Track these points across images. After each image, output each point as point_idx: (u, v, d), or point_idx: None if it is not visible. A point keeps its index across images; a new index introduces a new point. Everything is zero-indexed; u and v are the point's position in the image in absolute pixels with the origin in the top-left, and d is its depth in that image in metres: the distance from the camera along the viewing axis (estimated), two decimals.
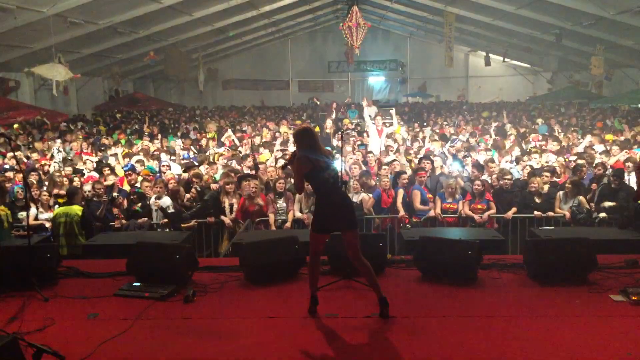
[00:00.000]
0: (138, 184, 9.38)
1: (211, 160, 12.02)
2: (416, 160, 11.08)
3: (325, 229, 4.90)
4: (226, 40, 27.19)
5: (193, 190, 9.12)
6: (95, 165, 11.77)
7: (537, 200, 8.60)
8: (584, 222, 8.11)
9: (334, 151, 10.13)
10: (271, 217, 8.57)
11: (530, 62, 27.92)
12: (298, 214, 8.59)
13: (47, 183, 9.57)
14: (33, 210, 8.30)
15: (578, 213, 8.18)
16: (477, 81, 31.31)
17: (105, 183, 9.27)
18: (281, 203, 8.87)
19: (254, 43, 31.18)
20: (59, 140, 15.08)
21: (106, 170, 10.37)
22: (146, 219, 8.48)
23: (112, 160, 12.48)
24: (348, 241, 4.82)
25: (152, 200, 8.61)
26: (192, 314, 4.83)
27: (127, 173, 10.14)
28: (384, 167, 10.17)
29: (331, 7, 27.59)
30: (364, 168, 10.17)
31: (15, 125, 17.41)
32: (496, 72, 29.78)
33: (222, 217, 8.63)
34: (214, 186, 9.47)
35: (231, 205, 8.78)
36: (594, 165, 9.86)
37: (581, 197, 8.39)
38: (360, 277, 5.08)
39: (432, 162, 10.24)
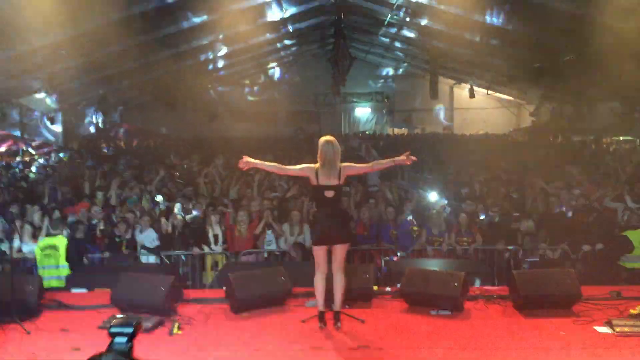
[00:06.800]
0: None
1: None
2: None
3: (322, 242, 5.17)
4: (213, 71, 27.28)
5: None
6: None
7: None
8: None
9: None
10: (259, 248, 8.55)
11: (513, 95, 28.37)
12: (283, 246, 8.55)
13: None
14: (17, 242, 8.17)
15: None
16: (463, 113, 31.68)
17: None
18: (269, 234, 8.84)
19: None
20: None
21: None
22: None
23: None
24: (337, 253, 5.13)
25: (137, 234, 8.54)
26: (177, 347, 4.77)
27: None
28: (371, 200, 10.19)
29: (318, 41, 27.96)
30: None
31: None
32: (481, 104, 30.17)
33: (207, 249, 8.57)
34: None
35: (216, 236, 8.73)
36: None
37: None
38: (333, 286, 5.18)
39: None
